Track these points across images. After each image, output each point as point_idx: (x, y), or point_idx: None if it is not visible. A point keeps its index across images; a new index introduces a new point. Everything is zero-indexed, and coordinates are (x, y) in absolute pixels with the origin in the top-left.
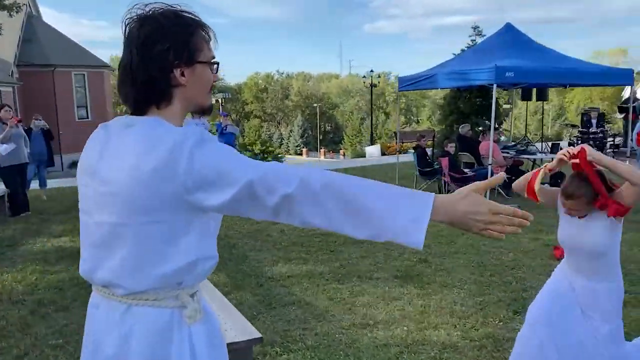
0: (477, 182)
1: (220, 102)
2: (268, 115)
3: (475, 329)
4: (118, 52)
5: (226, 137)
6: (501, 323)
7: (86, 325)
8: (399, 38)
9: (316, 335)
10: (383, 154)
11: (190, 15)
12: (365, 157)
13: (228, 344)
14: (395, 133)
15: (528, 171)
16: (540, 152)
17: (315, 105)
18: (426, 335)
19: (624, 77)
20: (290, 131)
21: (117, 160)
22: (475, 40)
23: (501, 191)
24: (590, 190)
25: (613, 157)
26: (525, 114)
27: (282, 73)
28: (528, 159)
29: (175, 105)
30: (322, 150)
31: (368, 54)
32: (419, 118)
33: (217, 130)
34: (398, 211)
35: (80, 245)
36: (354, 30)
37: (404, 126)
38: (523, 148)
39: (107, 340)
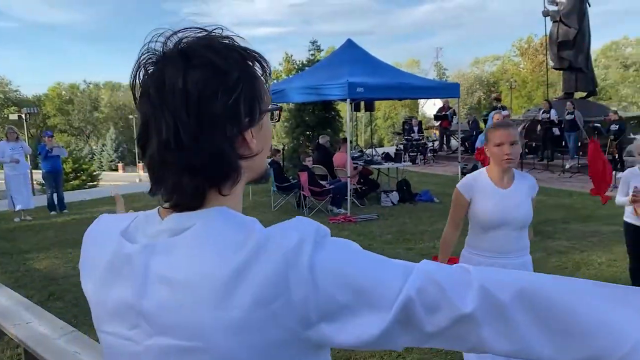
0: None
1: (24, 118)
2: (75, 129)
3: (402, 357)
4: None
5: (52, 161)
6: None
7: None
8: None
9: None
10: None
11: (240, 44)
12: None
13: None
14: None
15: (376, 180)
16: (385, 162)
17: (130, 116)
18: None
19: (453, 90)
20: (103, 145)
21: (178, 292)
22: (314, 54)
23: (355, 201)
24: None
25: (433, 160)
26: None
27: (89, 83)
28: (375, 168)
29: (240, 183)
30: (141, 164)
31: None
32: None
33: (39, 154)
34: (630, 322)
35: None
36: None
37: None
38: (369, 158)
39: None
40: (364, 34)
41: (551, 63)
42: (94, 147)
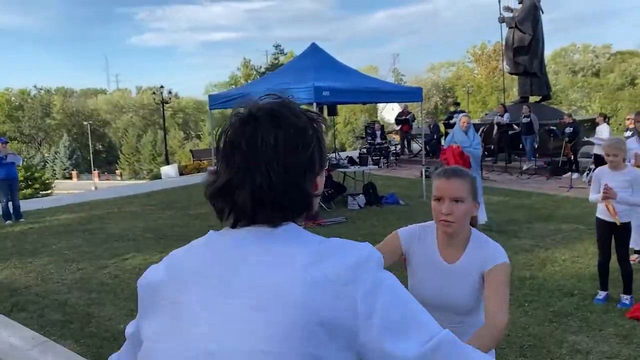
0: None
1: None
2: (26, 136)
3: None
4: None
5: (7, 169)
6: None
7: None
8: (168, 51)
9: None
10: (181, 173)
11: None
12: (161, 178)
13: None
14: (191, 151)
15: (339, 182)
16: (352, 166)
17: (85, 123)
18: None
19: (416, 94)
20: (56, 153)
21: (266, 274)
22: (278, 58)
23: (322, 204)
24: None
25: (396, 163)
26: None
27: (41, 88)
28: (341, 171)
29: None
30: (96, 171)
31: (136, 68)
32: (199, 133)
33: None
34: None
35: None
36: (118, 43)
37: (185, 142)
38: (335, 162)
39: None
40: (320, 39)
41: (507, 68)
42: (47, 155)
